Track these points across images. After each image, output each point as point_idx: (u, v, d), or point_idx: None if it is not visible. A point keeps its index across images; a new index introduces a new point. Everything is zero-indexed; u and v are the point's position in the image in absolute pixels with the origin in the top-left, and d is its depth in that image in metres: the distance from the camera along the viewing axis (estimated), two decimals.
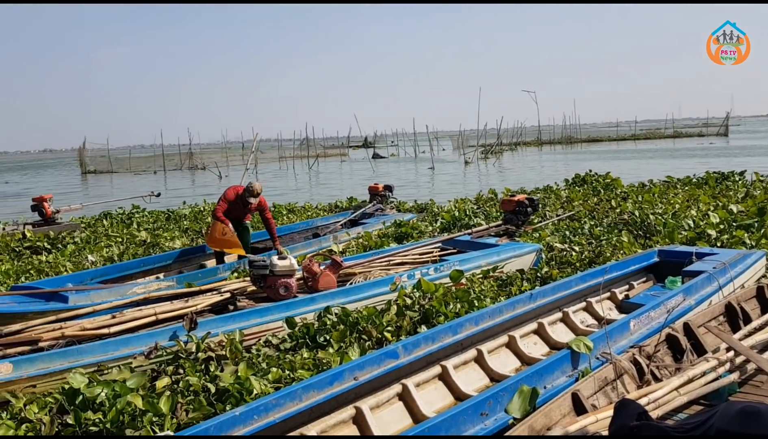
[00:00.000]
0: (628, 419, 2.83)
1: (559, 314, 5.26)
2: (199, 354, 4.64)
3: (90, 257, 9.22)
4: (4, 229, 12.28)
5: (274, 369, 4.33)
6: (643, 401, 3.26)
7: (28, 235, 11.24)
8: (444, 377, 4.16)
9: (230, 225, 8.12)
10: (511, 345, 4.69)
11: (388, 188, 13.20)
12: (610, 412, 3.07)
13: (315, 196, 22.25)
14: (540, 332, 4.98)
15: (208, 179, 35.50)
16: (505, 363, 4.53)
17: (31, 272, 8.67)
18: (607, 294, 5.88)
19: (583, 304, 5.60)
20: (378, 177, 29.50)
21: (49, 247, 10.65)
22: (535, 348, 4.80)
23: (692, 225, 8.76)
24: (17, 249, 10.48)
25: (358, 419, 3.57)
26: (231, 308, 6.02)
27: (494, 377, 4.33)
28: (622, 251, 7.64)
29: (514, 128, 63.12)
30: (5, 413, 4.14)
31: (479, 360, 4.43)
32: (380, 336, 5.04)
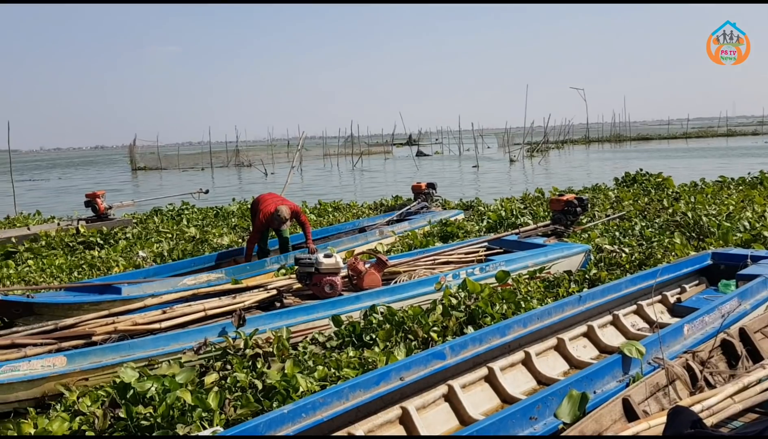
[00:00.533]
0: (682, 427, 2.77)
1: (609, 317, 5.16)
2: (247, 351, 4.70)
3: (141, 253, 9.42)
4: (58, 224, 12.63)
5: (320, 367, 4.34)
6: (696, 408, 3.18)
7: (82, 230, 11.53)
8: (491, 379, 4.12)
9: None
10: (560, 348, 4.62)
11: (431, 186, 13.21)
12: (663, 419, 3.00)
13: (359, 193, 22.32)
14: (589, 335, 4.89)
15: (254, 176, 35.92)
16: (553, 366, 4.46)
17: (84, 266, 8.89)
18: (658, 297, 5.74)
19: (634, 307, 5.48)
20: (422, 175, 29.45)
21: (101, 242, 10.91)
22: (584, 351, 4.72)
23: (747, 227, 8.50)
24: (71, 244, 10.77)
25: (405, 420, 3.57)
26: (277, 305, 6.09)
27: (542, 380, 4.27)
28: (673, 253, 7.46)
29: (561, 126, 62.38)
30: (59, 405, 4.27)
31: (527, 363, 4.38)
32: (426, 336, 5.02)
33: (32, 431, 3.86)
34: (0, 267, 8.89)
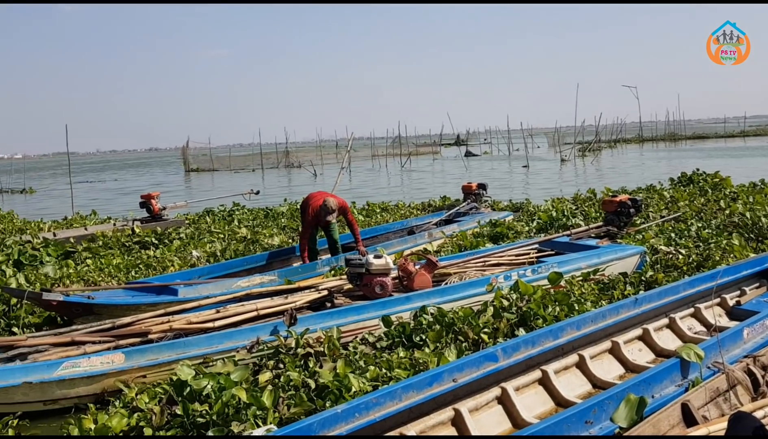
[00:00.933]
0: (744, 433, 2.70)
1: (666, 320, 5.05)
2: (299, 350, 4.74)
3: (195, 252, 9.60)
4: (114, 225, 12.97)
5: (371, 367, 4.36)
6: (758, 414, 3.10)
7: (137, 230, 11.83)
8: (544, 382, 4.07)
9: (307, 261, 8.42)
10: (615, 351, 4.54)
11: (482, 187, 13.07)
12: (723, 424, 2.93)
13: (408, 194, 22.30)
14: (645, 339, 4.79)
15: (304, 178, 36.24)
16: (608, 370, 4.38)
17: (140, 266, 9.10)
18: (717, 300, 5.58)
19: (691, 310, 5.34)
20: (471, 176, 29.26)
21: (156, 242, 11.16)
22: (639, 355, 4.63)
23: None
24: (127, 244, 11.04)
25: (457, 421, 3.55)
26: (328, 305, 6.13)
27: (596, 384, 4.21)
28: (732, 255, 7.24)
29: (613, 125, 61.17)
30: (118, 401, 4.38)
31: (581, 366, 4.31)
32: (476, 338, 4.98)
33: (92, 426, 3.97)
34: (60, 266, 9.16)
